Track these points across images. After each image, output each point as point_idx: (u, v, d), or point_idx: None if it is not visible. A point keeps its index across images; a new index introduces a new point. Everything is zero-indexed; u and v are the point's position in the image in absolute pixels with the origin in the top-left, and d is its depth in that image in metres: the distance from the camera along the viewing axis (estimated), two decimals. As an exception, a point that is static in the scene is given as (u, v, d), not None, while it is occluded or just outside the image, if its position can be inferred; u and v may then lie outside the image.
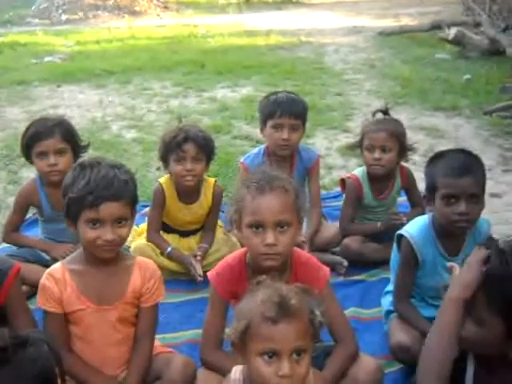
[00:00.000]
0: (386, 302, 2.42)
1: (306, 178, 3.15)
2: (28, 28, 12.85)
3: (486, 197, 3.79)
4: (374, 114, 3.08)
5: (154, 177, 4.03)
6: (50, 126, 2.78)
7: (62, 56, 9.42)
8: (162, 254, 2.88)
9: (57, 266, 2.03)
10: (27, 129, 2.84)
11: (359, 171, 3.09)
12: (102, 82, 7.42)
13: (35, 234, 3.13)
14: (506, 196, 3.86)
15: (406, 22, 12.13)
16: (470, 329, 1.61)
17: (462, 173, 2.14)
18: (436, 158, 2.28)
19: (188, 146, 2.79)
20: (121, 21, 13.55)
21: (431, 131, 5.18)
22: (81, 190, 1.88)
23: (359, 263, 2.93)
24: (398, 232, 2.32)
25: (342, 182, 3.14)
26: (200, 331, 2.06)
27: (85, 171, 1.92)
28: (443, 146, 4.81)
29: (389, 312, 2.38)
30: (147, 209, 3.21)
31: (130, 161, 4.47)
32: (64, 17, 14.13)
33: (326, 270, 2.02)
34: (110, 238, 1.89)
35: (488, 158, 4.50)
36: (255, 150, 3.21)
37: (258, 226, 1.82)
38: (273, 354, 1.48)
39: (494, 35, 8.43)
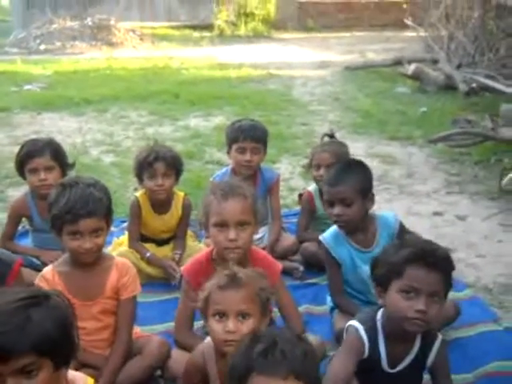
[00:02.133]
0: (329, 299, 2.86)
1: (268, 195, 3.58)
2: (6, 57, 13.17)
3: (430, 215, 4.33)
4: (322, 137, 3.57)
5: (132, 196, 4.41)
6: (41, 145, 3.20)
7: (41, 85, 9.76)
8: (141, 259, 3.26)
9: (47, 269, 2.39)
10: (21, 148, 3.25)
11: (313, 187, 3.57)
12: (80, 110, 7.80)
13: (26, 243, 3.48)
14: (447, 214, 4.33)
15: (371, 57, 12.80)
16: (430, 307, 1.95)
17: (336, 182, 2.64)
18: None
19: (158, 165, 3.22)
20: (98, 51, 13.97)
21: (386, 158, 5.67)
22: (61, 208, 2.27)
23: (314, 268, 3.34)
24: (319, 238, 2.77)
25: (300, 196, 3.60)
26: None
27: (65, 191, 2.30)
28: (395, 171, 5.33)
29: (333, 308, 2.80)
30: (126, 223, 3.60)
31: (109, 182, 4.81)
32: (42, 46, 14.48)
33: (279, 265, 2.45)
34: (89, 247, 2.28)
35: (434, 182, 5.03)
36: (223, 170, 3.65)
37: (222, 224, 2.25)
38: (222, 315, 1.90)
39: (450, 71, 9.07)
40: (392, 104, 8.16)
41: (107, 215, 2.34)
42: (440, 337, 2.12)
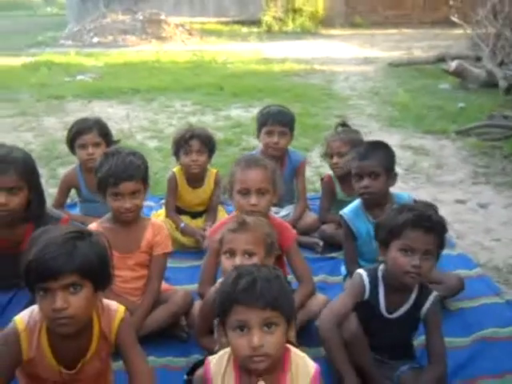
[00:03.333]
0: (343, 269, 3.11)
1: (295, 177, 3.84)
2: (61, 49, 13.82)
3: (452, 203, 4.49)
4: (335, 127, 3.81)
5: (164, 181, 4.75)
6: (90, 124, 3.57)
7: (93, 75, 10.28)
8: (176, 228, 3.59)
9: (93, 224, 2.74)
10: (71, 126, 3.63)
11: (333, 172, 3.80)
12: (128, 99, 8.23)
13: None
14: (470, 202, 4.49)
15: (417, 54, 12.83)
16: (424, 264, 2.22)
17: (366, 156, 2.88)
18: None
19: (193, 142, 3.56)
20: (148, 45, 14.48)
21: (418, 150, 5.83)
22: (105, 172, 2.64)
23: (333, 245, 3.58)
24: (340, 212, 3.02)
25: (322, 180, 3.85)
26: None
27: (108, 158, 2.68)
28: (425, 162, 5.49)
29: (346, 276, 3.05)
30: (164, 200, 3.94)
31: (152, 164, 5.18)
32: (95, 39, 15.10)
33: (294, 231, 2.72)
34: (128, 207, 2.64)
35: (462, 173, 5.18)
36: (253, 152, 3.93)
37: (244, 191, 2.54)
38: (231, 254, 2.24)
39: (492, 68, 9.09)
40: (431, 99, 8.27)
41: (144, 180, 2.69)
42: (435, 293, 2.36)
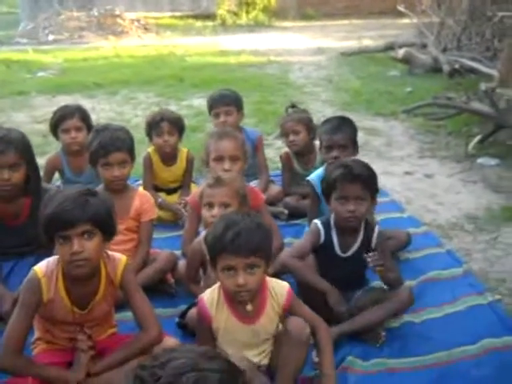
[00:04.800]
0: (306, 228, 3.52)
1: (254, 152, 4.22)
2: (17, 47, 13.82)
3: (402, 174, 4.96)
4: (286, 109, 4.23)
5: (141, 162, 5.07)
6: (72, 110, 3.88)
7: (53, 71, 10.42)
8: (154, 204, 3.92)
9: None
10: (54, 113, 3.93)
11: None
12: (92, 93, 8.45)
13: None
14: (417, 173, 4.99)
15: (367, 43, 13.37)
16: (357, 208, 2.64)
17: (337, 131, 3.27)
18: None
19: (163, 124, 3.92)
20: (104, 41, 14.59)
21: (370, 131, 6.30)
22: (96, 145, 3.01)
23: (296, 215, 3.98)
24: (307, 178, 3.43)
25: (280, 158, 4.27)
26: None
27: (98, 134, 3.07)
28: (376, 141, 5.97)
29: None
30: (140, 181, 4.27)
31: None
32: (51, 37, 15.11)
33: (263, 196, 3.11)
34: (117, 175, 3.01)
35: (409, 149, 5.67)
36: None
37: (219, 159, 2.93)
38: (210, 206, 2.63)
39: (436, 55, 9.67)
40: (381, 85, 8.78)
41: (131, 152, 3.03)
42: (377, 227, 2.81)
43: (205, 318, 2.26)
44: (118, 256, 2.34)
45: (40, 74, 10.23)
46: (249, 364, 2.18)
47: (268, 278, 2.29)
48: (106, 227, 2.18)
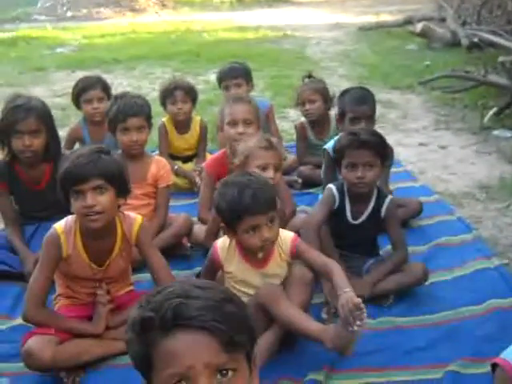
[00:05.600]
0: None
1: (266, 122, 4.27)
2: (36, 24, 13.94)
3: (416, 146, 4.98)
4: (303, 78, 4.26)
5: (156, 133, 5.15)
6: (94, 81, 3.98)
7: (72, 48, 10.53)
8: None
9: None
10: (76, 84, 4.03)
11: (304, 119, 4.25)
12: (110, 68, 8.54)
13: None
14: (431, 145, 5.01)
15: (386, 18, 13.25)
16: (366, 174, 2.69)
17: (363, 102, 3.28)
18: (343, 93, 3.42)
19: (177, 92, 4.00)
20: (122, 17, 14.67)
21: (386, 104, 6.30)
22: (115, 111, 3.10)
23: (310, 184, 4.04)
24: (323, 147, 3.47)
25: (295, 127, 4.32)
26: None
27: (117, 101, 3.17)
28: (392, 114, 5.98)
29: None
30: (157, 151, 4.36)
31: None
32: (69, 13, 15.23)
33: None
34: (135, 139, 3.09)
35: (425, 121, 5.68)
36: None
37: (233, 122, 3.00)
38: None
39: (455, 28, 9.57)
40: (398, 59, 8.74)
41: (148, 118, 3.11)
42: (390, 196, 2.85)
43: (215, 263, 2.41)
44: (134, 215, 2.43)
45: (59, 50, 10.35)
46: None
47: None
48: (118, 183, 2.27)
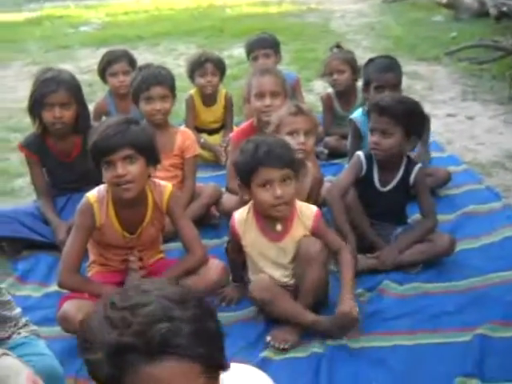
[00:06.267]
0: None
1: (293, 94, 4.25)
2: (59, 3, 13.98)
3: (443, 117, 4.93)
4: (331, 49, 4.23)
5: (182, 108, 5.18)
6: (119, 54, 4.00)
7: (96, 26, 10.55)
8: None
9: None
10: (103, 57, 4.07)
11: (331, 90, 4.23)
12: (134, 45, 8.53)
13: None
14: (459, 115, 4.94)
15: (410, -10, 12.99)
16: (382, 141, 2.70)
17: (387, 70, 3.26)
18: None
19: (207, 65, 4.01)
20: (144, -6, 14.61)
21: (412, 75, 6.21)
22: (139, 81, 3.13)
23: (336, 155, 4.04)
24: (350, 117, 3.47)
25: (322, 98, 4.31)
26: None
27: (141, 71, 3.20)
28: (418, 85, 5.90)
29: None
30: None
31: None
32: (92, -8, 15.20)
33: None
34: (159, 108, 3.11)
35: (453, 92, 5.60)
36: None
37: (260, 95, 3.00)
38: (294, 132, 2.69)
39: (483, -2, 9.35)
40: (424, 31, 8.58)
41: (172, 88, 3.13)
42: (419, 164, 2.84)
43: (234, 234, 2.44)
44: (164, 184, 2.47)
45: (83, 28, 10.38)
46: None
47: (298, 201, 2.42)
48: (147, 153, 2.30)
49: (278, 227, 2.36)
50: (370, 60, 3.49)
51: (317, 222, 2.38)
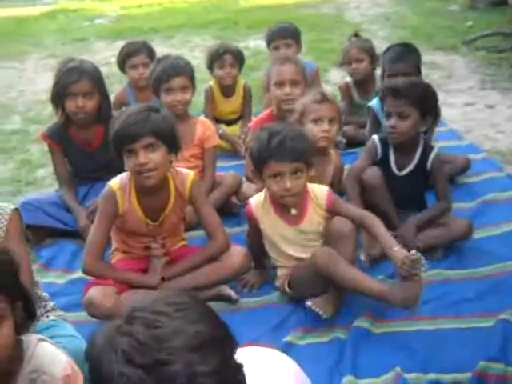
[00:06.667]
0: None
1: (313, 84, 4.26)
2: (74, -4, 14.05)
3: (462, 105, 4.90)
4: (349, 38, 4.21)
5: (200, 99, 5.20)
6: (139, 46, 4.03)
7: (111, 19, 10.60)
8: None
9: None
10: (122, 49, 4.10)
11: (349, 79, 4.23)
12: (149, 38, 8.51)
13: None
14: (477, 104, 4.92)
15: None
16: (398, 124, 2.70)
17: (399, 59, 3.25)
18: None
19: (227, 56, 4.02)
20: (158, -13, 14.63)
21: (429, 65, 6.17)
22: (158, 72, 3.14)
23: (353, 144, 4.04)
24: (368, 105, 3.46)
25: (340, 88, 4.30)
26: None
27: (160, 62, 3.21)
28: (436, 74, 5.87)
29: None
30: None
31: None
32: (106, -15, 15.24)
33: None
34: (179, 99, 3.12)
35: (471, 81, 5.56)
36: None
37: (280, 83, 3.01)
38: (319, 120, 2.70)
39: (500, -14, 9.24)
40: (441, 20, 8.51)
41: (191, 78, 3.15)
42: (436, 149, 2.84)
43: (252, 219, 2.48)
44: (186, 171, 2.49)
45: (98, 21, 10.43)
46: None
47: (309, 184, 2.45)
48: (169, 140, 2.32)
49: (293, 211, 2.41)
50: (388, 48, 3.51)
51: (330, 200, 2.43)
